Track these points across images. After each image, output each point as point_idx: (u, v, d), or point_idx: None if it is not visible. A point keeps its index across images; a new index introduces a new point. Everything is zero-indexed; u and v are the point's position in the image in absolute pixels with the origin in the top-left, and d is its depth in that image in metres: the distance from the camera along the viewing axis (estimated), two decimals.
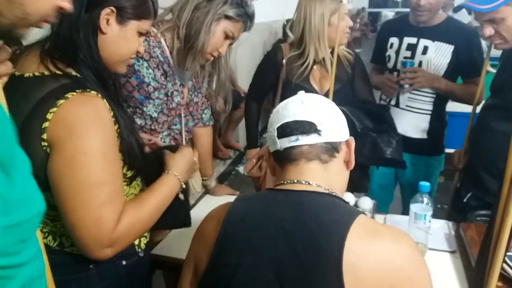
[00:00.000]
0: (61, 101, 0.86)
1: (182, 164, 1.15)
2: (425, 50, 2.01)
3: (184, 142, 1.62)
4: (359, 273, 0.74)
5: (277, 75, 1.89)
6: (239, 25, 1.47)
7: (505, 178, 1.01)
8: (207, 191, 1.86)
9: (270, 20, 5.13)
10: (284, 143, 0.90)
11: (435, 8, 1.97)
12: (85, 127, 0.86)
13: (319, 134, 0.88)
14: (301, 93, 0.96)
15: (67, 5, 0.69)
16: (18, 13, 0.62)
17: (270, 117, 0.96)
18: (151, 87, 1.38)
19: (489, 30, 1.52)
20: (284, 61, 1.86)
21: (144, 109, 1.39)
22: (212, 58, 1.51)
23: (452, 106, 2.26)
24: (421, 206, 1.37)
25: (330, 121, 0.90)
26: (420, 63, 2.02)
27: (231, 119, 4.00)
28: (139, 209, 0.99)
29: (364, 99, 1.83)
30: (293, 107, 0.91)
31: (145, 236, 1.15)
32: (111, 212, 0.90)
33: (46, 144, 0.87)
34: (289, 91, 1.74)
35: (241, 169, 4.17)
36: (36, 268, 0.70)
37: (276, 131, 0.91)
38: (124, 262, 1.07)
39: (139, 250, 1.12)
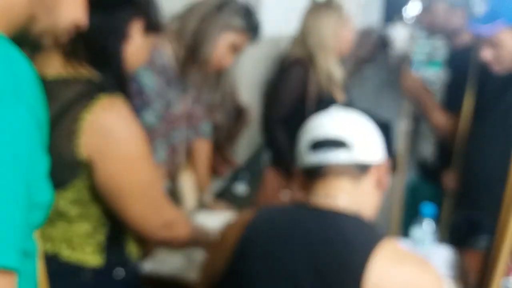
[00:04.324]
0: (92, 104, 0.90)
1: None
2: None
3: (182, 153, 1.61)
4: None
5: (305, 89, 1.90)
6: (244, 37, 1.47)
7: (504, 204, 1.03)
8: (203, 204, 1.84)
9: (276, 36, 5.18)
10: (313, 158, 0.89)
11: None
12: (124, 132, 0.95)
13: (349, 152, 0.87)
14: (334, 108, 0.95)
15: (84, 22, 0.74)
16: (51, 20, 0.67)
17: (300, 132, 0.96)
18: (151, 94, 1.37)
19: (489, 53, 1.55)
20: (310, 75, 1.89)
21: (143, 115, 1.37)
22: (216, 69, 1.50)
23: None
24: (423, 230, 1.36)
25: (362, 140, 0.88)
26: None
27: (230, 133, 4.00)
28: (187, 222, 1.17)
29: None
30: (324, 123, 0.91)
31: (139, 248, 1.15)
32: (163, 195, 1.07)
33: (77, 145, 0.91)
34: (318, 105, 1.79)
35: (237, 186, 4.15)
36: (35, 266, 0.68)
37: (306, 146, 0.91)
38: (118, 271, 1.06)
39: (133, 260, 1.11)
